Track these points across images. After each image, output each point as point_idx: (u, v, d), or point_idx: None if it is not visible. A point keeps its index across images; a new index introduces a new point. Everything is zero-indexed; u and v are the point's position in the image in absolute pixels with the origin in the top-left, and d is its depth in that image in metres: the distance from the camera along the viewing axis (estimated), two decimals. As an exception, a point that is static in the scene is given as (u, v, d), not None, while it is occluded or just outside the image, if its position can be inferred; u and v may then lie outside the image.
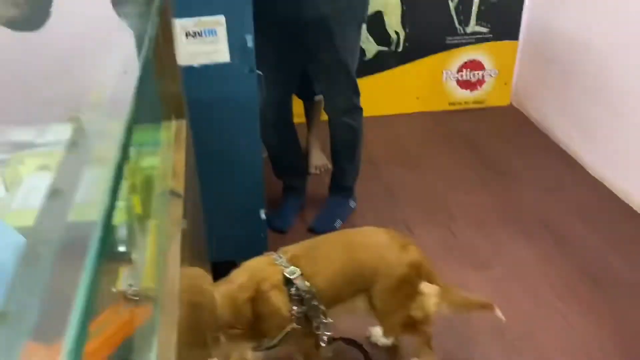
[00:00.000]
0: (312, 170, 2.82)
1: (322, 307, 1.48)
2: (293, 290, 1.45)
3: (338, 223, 2.44)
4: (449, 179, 2.79)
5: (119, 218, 0.63)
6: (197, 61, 1.65)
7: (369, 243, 1.58)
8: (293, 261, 1.49)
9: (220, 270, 1.61)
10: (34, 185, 0.86)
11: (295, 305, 1.45)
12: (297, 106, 2.74)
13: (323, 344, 1.49)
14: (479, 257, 2.25)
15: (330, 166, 2.68)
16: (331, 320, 1.50)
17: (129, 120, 0.51)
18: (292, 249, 1.56)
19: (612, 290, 2.06)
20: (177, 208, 0.69)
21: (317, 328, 1.48)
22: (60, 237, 0.40)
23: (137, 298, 0.54)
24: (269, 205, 2.04)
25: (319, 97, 2.74)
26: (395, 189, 2.72)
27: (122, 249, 0.59)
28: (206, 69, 1.68)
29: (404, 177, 2.81)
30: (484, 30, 3.27)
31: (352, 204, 2.53)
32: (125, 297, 0.57)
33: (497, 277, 2.14)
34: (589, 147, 2.81)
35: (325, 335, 1.49)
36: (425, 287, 1.59)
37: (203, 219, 1.30)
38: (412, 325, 1.62)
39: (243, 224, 1.93)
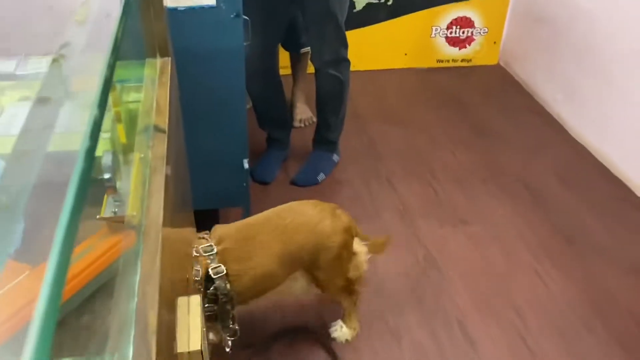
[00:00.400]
0: (296, 123, 2.82)
1: (234, 313, 1.44)
2: (211, 289, 1.38)
3: (321, 176, 2.46)
4: (433, 136, 2.81)
5: (104, 146, 0.63)
6: (182, 3, 1.62)
7: (301, 222, 1.54)
8: (223, 255, 1.42)
9: (201, 219, 1.63)
10: (15, 113, 0.85)
11: (208, 304, 1.40)
12: (283, 58, 2.72)
13: (228, 349, 1.46)
14: (458, 214, 2.30)
15: (314, 120, 2.69)
16: (237, 327, 1.46)
17: (115, 42, 0.51)
18: (226, 237, 1.47)
19: (585, 250, 2.13)
20: (161, 143, 0.70)
21: (223, 330, 1.46)
22: (44, 155, 0.41)
23: (122, 224, 0.56)
24: (252, 157, 2.05)
25: (306, 49, 2.71)
26: (379, 144, 2.74)
27: (107, 176, 0.60)
28: (191, 12, 1.65)
29: (388, 132, 2.83)
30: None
31: (335, 158, 2.55)
32: (109, 224, 0.59)
33: (475, 234, 2.19)
34: (573, 110, 2.85)
35: (230, 340, 1.45)
36: (357, 246, 1.66)
37: (187, 165, 1.30)
38: (350, 286, 1.67)
39: (226, 173, 1.94)
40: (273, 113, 2.48)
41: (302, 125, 2.84)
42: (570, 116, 2.86)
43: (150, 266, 0.52)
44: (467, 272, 2.02)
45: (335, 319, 1.78)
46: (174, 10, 1.61)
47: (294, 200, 2.36)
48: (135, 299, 0.49)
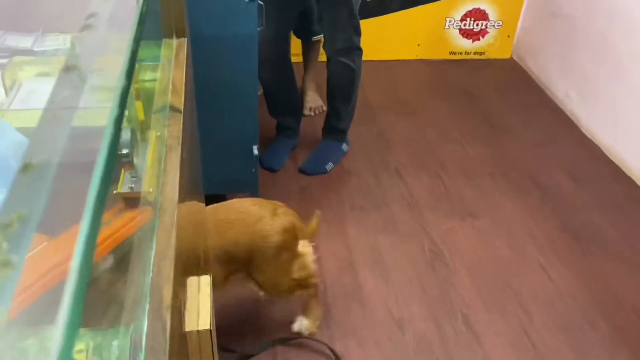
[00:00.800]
0: (307, 111, 2.83)
1: None
2: None
3: (329, 166, 2.47)
4: (443, 128, 2.81)
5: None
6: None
7: (236, 219, 1.50)
8: None
9: (209, 204, 1.65)
10: (33, 88, 0.86)
11: None
12: (295, 46, 2.72)
13: None
14: (466, 207, 2.30)
15: (325, 108, 2.69)
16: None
17: (140, 15, 0.52)
18: None
19: (591, 247, 2.13)
20: (176, 123, 0.71)
21: None
22: (70, 129, 0.42)
23: (138, 200, 0.57)
24: (261, 144, 2.06)
25: (318, 37, 2.71)
26: (389, 135, 2.74)
27: (124, 151, 0.61)
28: (205, -4, 1.66)
29: (398, 123, 2.83)
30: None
31: (344, 147, 2.55)
32: (125, 199, 0.60)
33: (482, 228, 2.20)
34: (586, 107, 2.83)
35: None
36: (303, 247, 1.60)
37: (199, 148, 1.31)
38: (299, 284, 1.63)
39: (235, 158, 1.96)
40: (283, 100, 2.48)
41: (312, 113, 2.84)
42: (583, 113, 2.85)
43: (165, 242, 0.53)
44: (473, 265, 2.03)
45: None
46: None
47: (303, 187, 2.38)
48: (151, 274, 0.50)
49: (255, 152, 1.95)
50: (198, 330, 0.75)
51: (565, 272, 2.02)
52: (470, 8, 3.31)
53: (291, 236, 1.55)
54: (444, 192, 2.39)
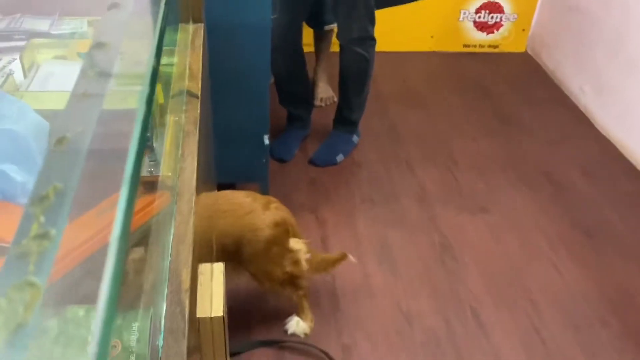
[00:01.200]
0: (317, 102, 2.82)
1: None
2: None
3: (340, 157, 2.47)
4: (455, 122, 2.80)
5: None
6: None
7: (227, 209, 1.49)
8: None
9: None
10: (50, 71, 0.87)
11: None
12: (307, 36, 2.71)
13: None
14: (477, 202, 2.30)
15: (336, 99, 2.69)
16: None
17: (166, 1, 0.53)
18: None
19: (603, 244, 2.12)
20: (194, 108, 0.71)
21: None
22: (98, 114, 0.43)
23: (156, 183, 0.58)
24: (271, 134, 2.06)
25: (330, 27, 2.70)
26: (400, 127, 2.74)
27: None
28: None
29: (410, 116, 2.82)
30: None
31: (355, 139, 2.55)
32: (144, 183, 0.60)
33: (493, 223, 2.20)
34: (600, 103, 2.81)
35: None
36: (295, 243, 1.59)
37: (212, 136, 1.32)
38: (290, 280, 1.62)
39: (245, 147, 1.96)
40: (295, 90, 2.48)
41: (323, 104, 2.84)
42: (597, 109, 2.83)
43: (184, 227, 0.54)
44: (483, 260, 2.03)
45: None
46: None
47: (312, 178, 2.38)
48: (169, 258, 0.50)
49: (266, 141, 1.95)
50: (211, 317, 0.76)
51: (576, 268, 2.01)
52: (486, 0, 3.28)
53: (282, 231, 1.54)
54: (455, 186, 2.39)
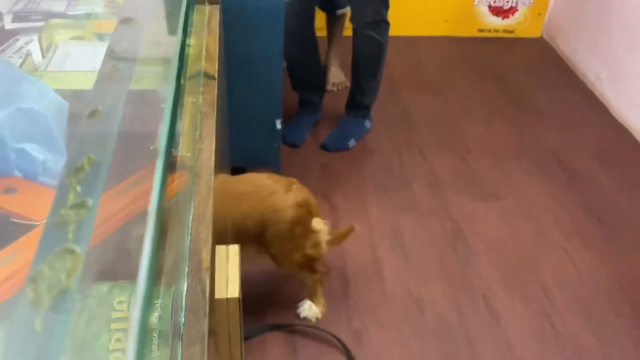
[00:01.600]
0: (330, 87, 2.82)
1: None
2: None
3: (352, 142, 2.47)
4: (469, 107, 2.79)
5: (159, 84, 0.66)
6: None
7: (248, 192, 1.49)
8: None
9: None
10: (68, 51, 0.88)
11: None
12: (319, 20, 2.70)
13: None
14: (490, 188, 2.29)
15: (348, 84, 2.68)
16: None
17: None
18: None
19: (617, 232, 2.11)
20: (211, 89, 0.72)
21: None
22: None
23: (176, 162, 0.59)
24: (283, 119, 2.06)
25: (342, 11, 2.69)
26: (413, 113, 2.73)
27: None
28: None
29: (423, 101, 2.81)
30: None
31: (367, 124, 2.55)
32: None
33: (506, 209, 2.19)
34: (617, 89, 2.79)
35: None
36: (317, 223, 1.59)
37: (226, 118, 1.32)
38: (308, 263, 1.63)
39: (258, 131, 1.97)
40: (307, 75, 2.48)
41: (335, 89, 2.83)
42: (614, 95, 2.80)
43: (203, 207, 0.55)
44: (496, 247, 2.03)
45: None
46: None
47: (324, 163, 2.39)
48: (190, 237, 0.51)
49: (278, 126, 1.96)
50: (227, 298, 0.77)
51: (590, 257, 2.01)
52: (501, -16, 3.25)
53: (305, 212, 1.55)
54: (468, 172, 2.38)
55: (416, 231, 2.09)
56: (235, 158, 1.95)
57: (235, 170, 2.16)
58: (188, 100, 0.69)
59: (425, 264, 1.96)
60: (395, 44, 2.99)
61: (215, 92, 0.71)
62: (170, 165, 0.60)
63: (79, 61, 0.81)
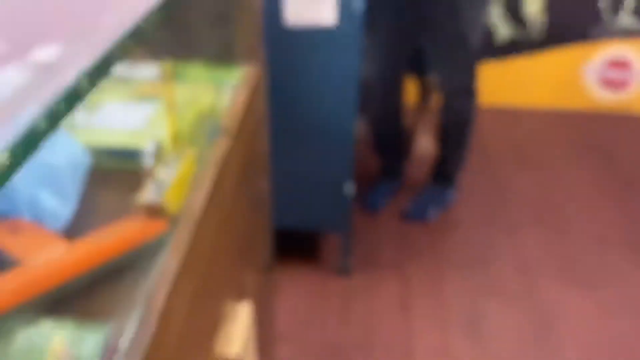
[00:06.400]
0: (415, 154, 2.79)
1: None
2: None
3: (433, 213, 2.40)
4: (570, 187, 2.63)
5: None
6: (303, 19, 1.69)
7: None
8: None
9: (285, 238, 1.65)
10: (112, 109, 0.93)
11: None
12: (409, 85, 2.72)
13: None
14: (587, 276, 2.11)
15: (433, 152, 2.64)
16: None
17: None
18: None
19: None
20: (221, 145, 0.73)
21: None
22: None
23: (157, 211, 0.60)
24: (363, 183, 2.06)
25: (433, 77, 2.69)
26: (507, 188, 2.62)
27: (148, 163, 0.65)
28: (308, 31, 1.72)
29: (519, 177, 2.69)
30: (637, 24, 3.02)
31: (452, 195, 2.48)
32: (142, 209, 0.63)
33: (604, 302, 2.00)
34: None
35: None
36: None
37: (270, 179, 1.34)
38: None
39: (324, 195, 1.96)
40: (389, 142, 2.48)
41: (421, 157, 2.80)
42: None
43: (177, 256, 0.54)
44: (588, 342, 1.85)
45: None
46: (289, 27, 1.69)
47: (402, 234, 2.33)
48: (153, 281, 0.51)
49: (348, 190, 1.95)
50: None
51: None
52: (613, 55, 3.10)
53: None
54: (563, 256, 2.21)
55: (495, 318, 1.95)
56: (301, 221, 1.96)
57: (304, 235, 2.18)
58: (189, 152, 0.70)
59: (503, 356, 1.82)
60: (493, 115, 2.94)
61: (226, 148, 0.72)
62: (151, 212, 0.61)
63: (122, 119, 0.87)
